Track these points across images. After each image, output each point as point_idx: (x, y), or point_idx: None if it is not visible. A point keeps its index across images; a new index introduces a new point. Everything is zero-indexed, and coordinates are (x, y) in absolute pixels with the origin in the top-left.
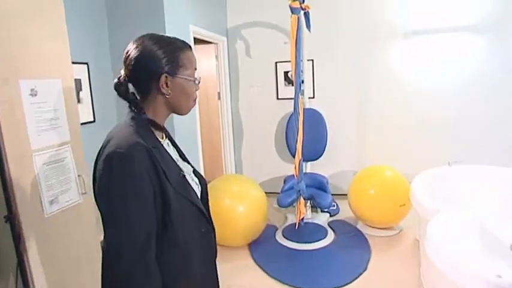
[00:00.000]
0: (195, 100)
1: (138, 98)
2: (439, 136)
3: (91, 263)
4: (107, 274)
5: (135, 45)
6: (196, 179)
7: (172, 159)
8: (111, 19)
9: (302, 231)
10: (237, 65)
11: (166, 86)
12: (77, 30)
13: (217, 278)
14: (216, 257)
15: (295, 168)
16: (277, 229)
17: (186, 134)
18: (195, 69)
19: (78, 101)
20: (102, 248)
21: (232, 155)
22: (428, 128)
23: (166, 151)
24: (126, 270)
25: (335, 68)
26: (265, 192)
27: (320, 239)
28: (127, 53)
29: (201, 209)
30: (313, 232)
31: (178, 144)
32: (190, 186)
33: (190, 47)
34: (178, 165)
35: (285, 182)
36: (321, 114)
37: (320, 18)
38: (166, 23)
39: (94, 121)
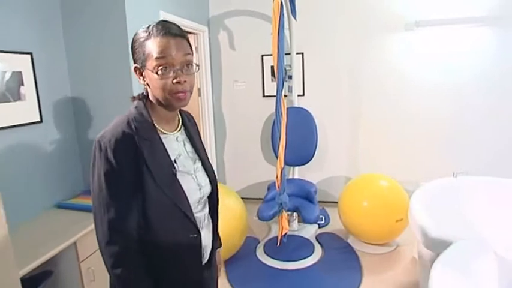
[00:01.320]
0: (174, 93)
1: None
2: (442, 141)
3: None
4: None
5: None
6: (204, 179)
7: (169, 156)
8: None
9: (286, 247)
10: (219, 58)
11: (142, 77)
12: (12, 12)
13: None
14: (207, 268)
15: (276, 177)
16: (258, 242)
17: None
18: (165, 57)
19: (18, 98)
20: None
21: (213, 158)
22: (430, 132)
23: (164, 146)
24: (100, 248)
25: (327, 63)
26: (250, 198)
27: (306, 257)
28: None
29: (185, 212)
30: (299, 248)
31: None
32: (181, 187)
33: (165, 32)
34: (172, 163)
35: (268, 189)
36: (310, 114)
37: (311, 7)
38: (126, 7)
39: (41, 121)
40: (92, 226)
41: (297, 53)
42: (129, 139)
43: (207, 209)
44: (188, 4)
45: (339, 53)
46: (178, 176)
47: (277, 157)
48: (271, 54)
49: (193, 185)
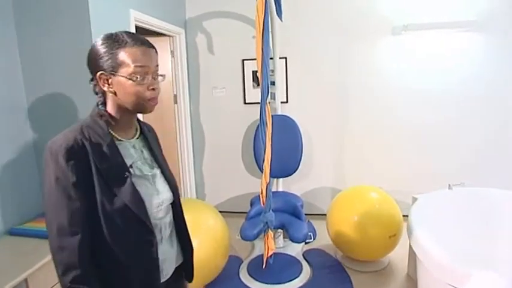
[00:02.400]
0: (149, 100)
1: (101, 95)
2: (432, 149)
3: None
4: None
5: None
6: (163, 186)
7: (123, 160)
8: None
9: (272, 267)
10: (197, 63)
11: (108, 84)
12: None
13: None
14: (168, 278)
15: (261, 193)
16: (241, 262)
17: None
18: (144, 66)
19: None
20: None
21: (191, 170)
22: (419, 139)
23: (118, 150)
24: (52, 254)
25: (312, 68)
26: (231, 212)
27: (293, 278)
28: None
29: (139, 215)
30: (285, 268)
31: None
32: (136, 190)
33: (142, 43)
34: (126, 167)
35: (251, 204)
36: (295, 122)
37: (295, 9)
38: (90, 4)
39: None
40: (48, 257)
41: (280, 58)
42: (80, 145)
43: (168, 218)
44: (162, 3)
45: (324, 57)
46: (134, 180)
47: (260, 170)
48: (252, 59)
49: (151, 190)
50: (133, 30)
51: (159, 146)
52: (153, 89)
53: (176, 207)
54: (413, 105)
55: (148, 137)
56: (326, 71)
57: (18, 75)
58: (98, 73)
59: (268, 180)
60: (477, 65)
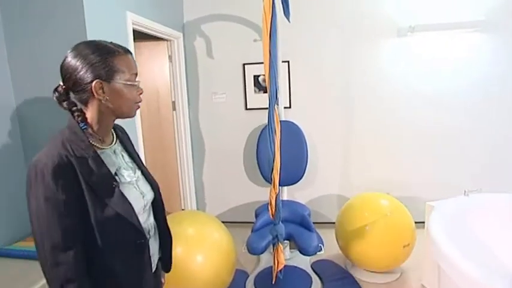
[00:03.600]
0: (138, 103)
1: (79, 105)
2: (441, 153)
3: None
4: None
5: (70, 53)
6: (146, 187)
7: (109, 170)
8: None
9: (280, 281)
10: (196, 68)
11: (102, 91)
12: None
13: None
14: (155, 269)
15: (270, 205)
16: (248, 276)
17: None
18: (135, 74)
19: None
20: None
21: (191, 180)
22: (428, 144)
23: (102, 161)
24: (45, 271)
25: (316, 72)
26: (234, 222)
27: None
28: (62, 61)
29: (131, 221)
30: (295, 282)
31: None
32: (125, 198)
33: (128, 52)
34: (113, 176)
35: (256, 216)
36: (299, 128)
37: (298, 11)
38: (85, 5)
39: None
40: (41, 283)
41: (283, 61)
42: (65, 161)
43: (152, 218)
44: (160, 6)
45: (328, 60)
46: (121, 187)
47: (263, 176)
48: (254, 63)
49: (137, 194)
50: (130, 33)
51: (132, 144)
52: (140, 94)
53: (157, 203)
54: (421, 109)
55: (123, 140)
56: (330, 75)
57: (6, 77)
58: (95, 81)
59: (277, 191)
60: (487, 66)
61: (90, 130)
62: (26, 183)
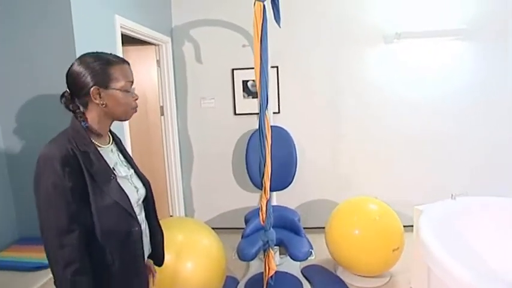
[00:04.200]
0: (134, 108)
1: (82, 109)
2: (428, 157)
3: None
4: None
5: (75, 61)
6: (138, 183)
7: (107, 164)
8: None
9: (270, 287)
10: (184, 73)
11: (100, 97)
12: None
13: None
14: (147, 255)
15: (261, 210)
16: (238, 283)
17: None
18: (131, 81)
19: None
20: None
21: (179, 184)
22: (415, 148)
23: (101, 156)
24: (49, 254)
25: (304, 77)
26: (223, 228)
27: None
28: (69, 69)
29: (128, 210)
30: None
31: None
32: (122, 189)
33: (125, 62)
34: (112, 169)
35: (246, 221)
36: (288, 133)
37: (287, 17)
38: (72, 7)
39: None
40: None
41: (272, 67)
42: (71, 153)
43: (143, 214)
44: (148, 10)
45: (317, 66)
46: (119, 180)
47: (254, 184)
48: (242, 68)
49: (131, 188)
50: (118, 37)
51: (124, 147)
52: (136, 99)
53: (148, 200)
54: (407, 115)
55: (118, 142)
56: (318, 80)
57: None
58: (93, 88)
59: (268, 196)
60: (470, 73)
61: (90, 130)
62: (35, 173)
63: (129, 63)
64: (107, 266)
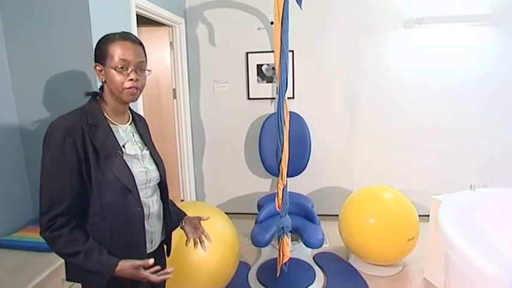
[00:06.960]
0: (127, 89)
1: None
2: (445, 147)
3: None
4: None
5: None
6: (151, 165)
7: (116, 140)
8: None
9: (283, 274)
10: (197, 56)
11: (101, 74)
12: None
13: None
14: (157, 247)
15: (277, 196)
16: (250, 268)
17: None
18: (124, 59)
19: None
20: None
21: (191, 168)
22: (432, 137)
23: (112, 132)
24: (40, 217)
25: (320, 63)
26: (234, 213)
27: (307, 286)
28: None
29: (129, 188)
30: (297, 274)
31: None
32: (127, 166)
33: (126, 38)
34: (119, 146)
35: (259, 207)
36: (303, 119)
37: (303, 1)
38: None
39: None
40: (42, 275)
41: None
42: (77, 124)
43: (156, 196)
44: None
45: (333, 51)
46: (126, 158)
47: (265, 167)
48: (257, 52)
49: (140, 168)
50: (133, 17)
51: (149, 133)
52: (131, 80)
53: (163, 187)
54: (425, 103)
55: (139, 125)
56: (334, 65)
57: (4, 68)
58: (95, 64)
59: (285, 182)
60: (494, 61)
61: (105, 105)
62: (43, 142)
63: (131, 39)
64: (107, 241)
